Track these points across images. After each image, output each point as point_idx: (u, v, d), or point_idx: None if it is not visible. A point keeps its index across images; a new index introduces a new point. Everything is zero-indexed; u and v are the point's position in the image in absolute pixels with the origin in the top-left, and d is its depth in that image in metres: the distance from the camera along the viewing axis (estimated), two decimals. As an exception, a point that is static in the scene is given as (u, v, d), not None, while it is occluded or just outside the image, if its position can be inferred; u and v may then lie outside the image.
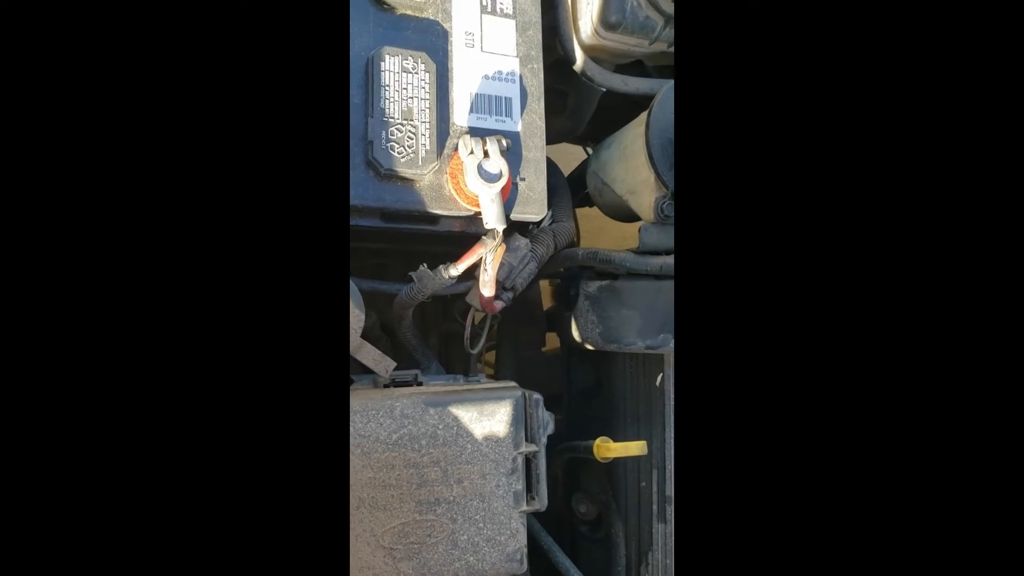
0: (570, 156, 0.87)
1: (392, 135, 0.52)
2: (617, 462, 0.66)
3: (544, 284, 0.88)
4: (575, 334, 0.66)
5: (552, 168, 0.75)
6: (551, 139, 0.84)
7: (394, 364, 0.50)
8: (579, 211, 1.09)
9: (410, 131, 0.53)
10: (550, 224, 0.66)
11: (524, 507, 0.50)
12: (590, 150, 0.83)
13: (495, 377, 0.76)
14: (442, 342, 0.75)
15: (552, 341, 0.84)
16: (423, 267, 0.53)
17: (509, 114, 0.58)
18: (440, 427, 0.48)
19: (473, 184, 0.52)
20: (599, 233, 1.18)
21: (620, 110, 0.77)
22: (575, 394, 0.75)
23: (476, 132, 0.55)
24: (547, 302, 0.86)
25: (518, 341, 0.79)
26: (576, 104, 0.80)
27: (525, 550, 0.50)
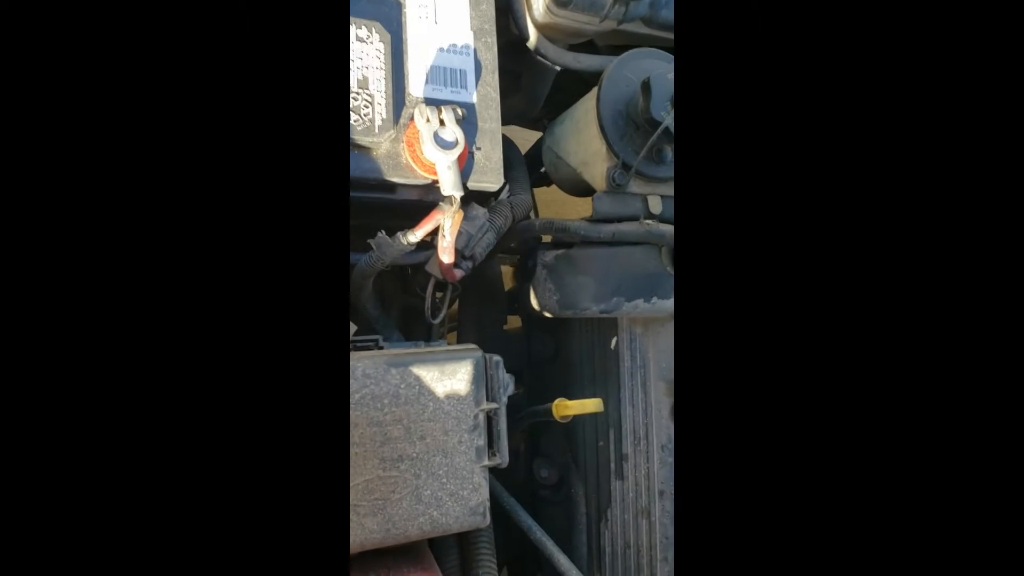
0: (524, 142, 0.89)
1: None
2: (576, 424, 0.68)
3: (506, 268, 0.90)
4: (534, 303, 0.68)
5: (508, 144, 0.76)
6: (506, 119, 0.86)
7: (354, 327, 0.51)
8: (538, 196, 1.12)
9: (366, 100, 0.54)
10: (507, 196, 0.68)
11: (486, 462, 0.51)
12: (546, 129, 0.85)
13: (457, 351, 0.77)
14: (402, 317, 0.76)
15: (514, 322, 0.85)
16: (381, 233, 0.54)
17: (464, 86, 0.59)
18: (402, 386, 0.49)
19: (430, 151, 0.53)
20: (558, 216, 1.21)
21: (573, 92, 0.79)
22: (535, 363, 0.77)
23: (431, 102, 0.57)
24: (508, 285, 0.88)
25: (480, 319, 0.81)
26: (530, 84, 0.82)
27: (488, 503, 0.51)
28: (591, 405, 0.58)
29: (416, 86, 0.57)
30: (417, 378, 0.49)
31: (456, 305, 0.81)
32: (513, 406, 0.67)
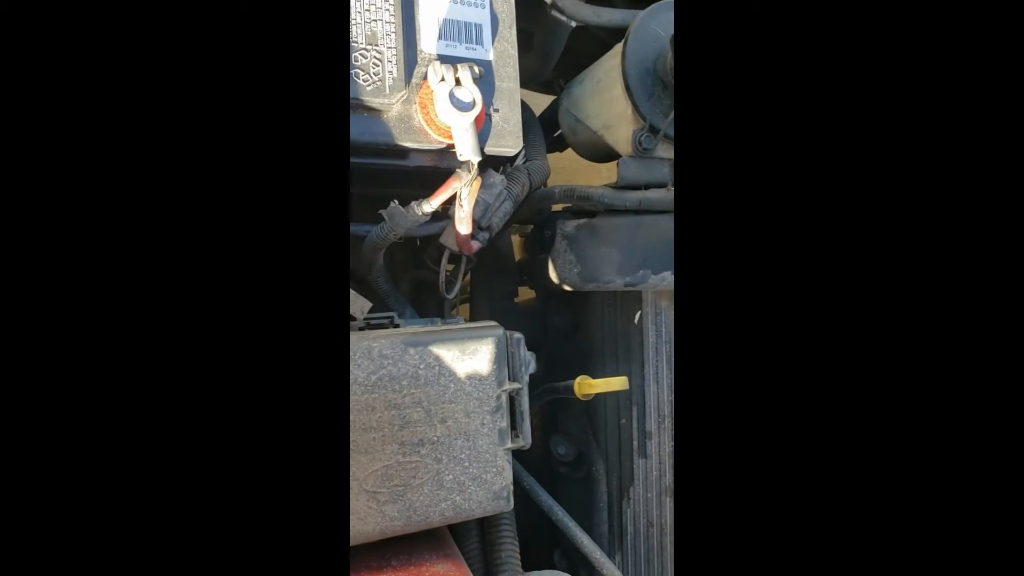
0: (534, 107, 0.84)
1: (356, 61, 0.48)
2: (597, 401, 0.66)
3: (515, 238, 0.87)
4: (552, 276, 0.65)
5: (524, 107, 0.72)
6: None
7: (369, 304, 0.48)
8: (551, 159, 1.07)
9: (375, 57, 0.49)
10: (524, 163, 0.64)
11: (509, 444, 0.49)
12: (563, 90, 0.80)
13: (470, 325, 0.74)
14: (413, 291, 0.73)
15: (523, 294, 0.82)
16: (394, 203, 0.50)
17: (480, 42, 0.55)
18: (421, 367, 0.46)
19: (445, 113, 0.49)
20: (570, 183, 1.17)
21: (585, 53, 0.75)
22: (552, 338, 0.75)
23: (445, 60, 0.52)
24: (517, 254, 0.84)
25: (492, 292, 0.78)
26: (544, 43, 0.77)
27: (512, 487, 0.49)
28: (616, 383, 0.56)
29: (429, 42, 0.52)
30: (437, 358, 0.46)
31: (468, 277, 0.78)
32: (530, 382, 0.64)
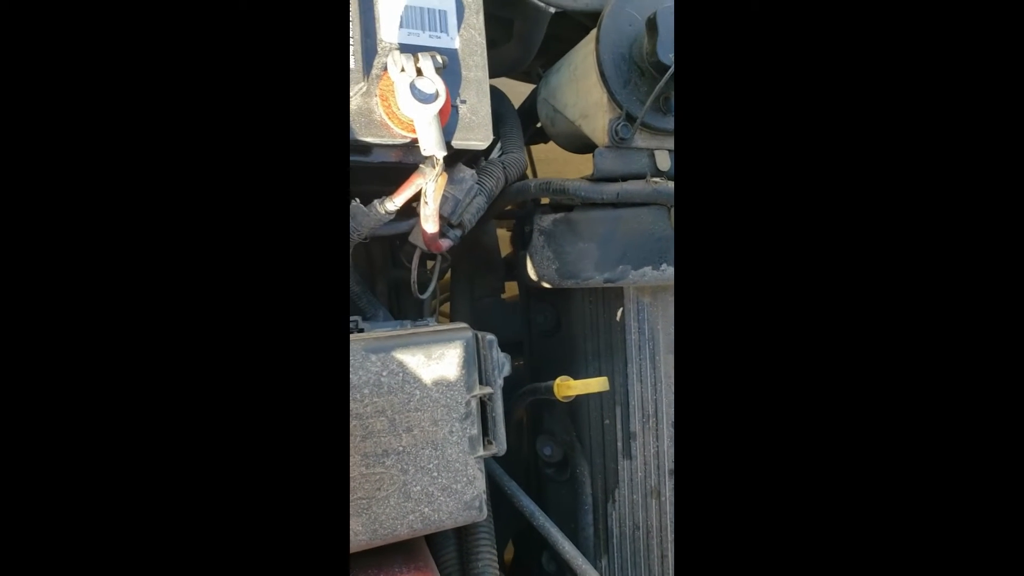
0: (516, 97, 0.82)
1: (310, 53, 0.46)
2: (580, 401, 0.64)
3: (502, 232, 0.84)
4: (531, 273, 0.63)
5: (500, 97, 0.69)
6: (498, 71, 0.79)
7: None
8: (536, 154, 1.04)
9: (331, 48, 0.47)
10: (499, 156, 0.61)
11: (481, 452, 0.47)
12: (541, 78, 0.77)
13: (451, 324, 0.72)
14: (391, 290, 0.71)
15: (513, 289, 0.80)
16: (356, 202, 0.48)
17: (444, 29, 0.52)
18: (384, 374, 0.44)
19: (406, 106, 0.46)
20: (558, 176, 1.14)
21: (569, 39, 0.72)
22: (535, 336, 0.72)
23: (407, 49, 0.50)
24: (506, 249, 0.82)
25: (474, 289, 0.75)
26: (523, 31, 0.74)
27: (484, 496, 0.47)
28: (595, 384, 0.53)
29: (388, 30, 0.49)
30: (400, 364, 0.44)
31: (449, 274, 0.76)
32: (515, 380, 0.62)
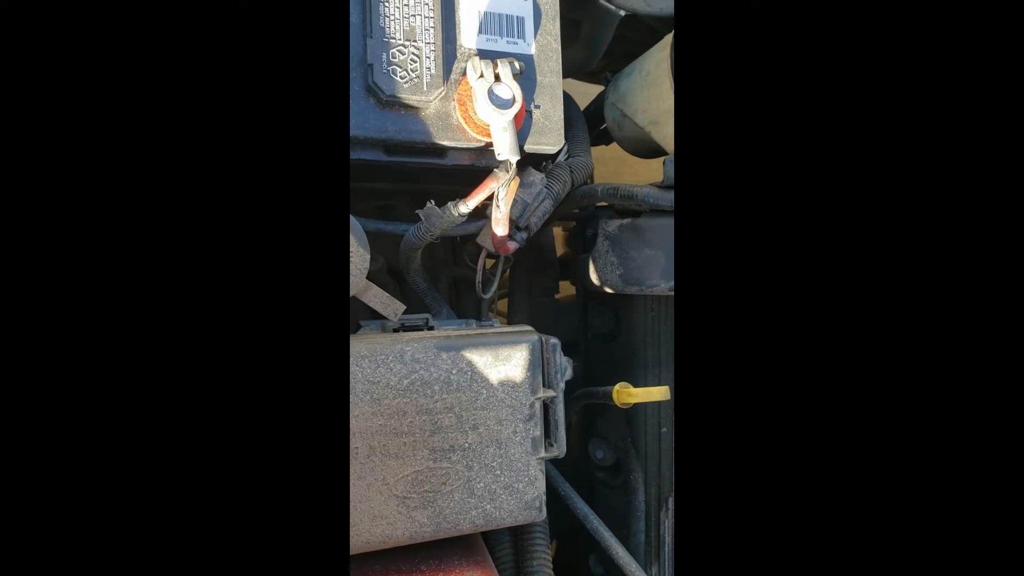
0: (581, 96, 0.82)
1: (394, 58, 0.47)
2: (637, 408, 0.64)
3: (557, 231, 0.84)
4: (593, 277, 0.63)
5: (567, 100, 0.69)
6: (565, 72, 0.79)
7: (403, 307, 0.48)
8: (593, 152, 1.04)
9: (413, 53, 0.48)
10: (566, 159, 0.62)
11: (542, 454, 0.47)
12: (608, 82, 0.77)
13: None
14: (452, 288, 0.72)
15: (565, 289, 0.80)
16: (430, 204, 0.50)
17: (521, 35, 0.53)
18: (453, 372, 0.45)
19: (483, 111, 0.47)
20: (614, 177, 1.13)
21: (636, 41, 0.71)
22: (592, 339, 0.73)
23: (486, 55, 0.51)
24: (560, 249, 0.82)
25: (531, 288, 0.76)
26: (591, 33, 0.74)
27: (544, 497, 0.48)
28: (657, 394, 0.53)
29: (468, 36, 0.50)
30: (470, 363, 0.45)
31: (507, 273, 0.77)
32: (569, 381, 0.63)
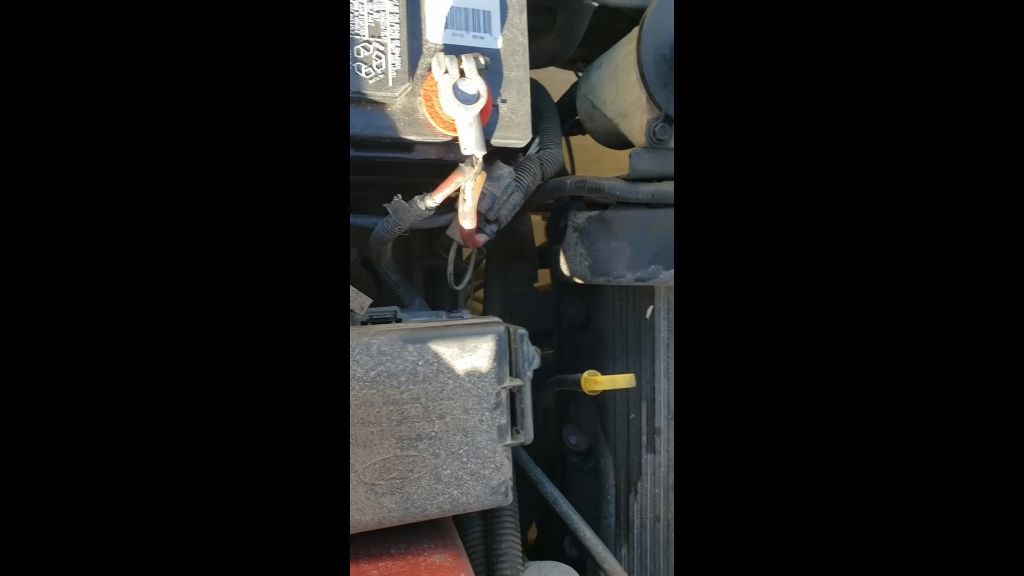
0: (560, 83, 0.82)
1: (359, 54, 0.48)
2: (606, 394, 0.65)
3: (537, 219, 0.85)
4: (564, 268, 0.64)
5: (539, 91, 0.70)
6: (539, 62, 0.79)
7: (370, 300, 0.49)
8: (574, 141, 1.04)
9: (378, 49, 0.48)
10: (537, 151, 0.63)
11: (509, 440, 0.49)
12: (581, 73, 0.78)
13: (484, 314, 0.75)
14: (427, 278, 0.73)
15: (545, 277, 0.82)
16: (397, 198, 0.50)
17: (488, 29, 0.53)
18: (420, 363, 0.46)
19: (449, 106, 0.48)
20: (594, 165, 1.13)
21: (615, 29, 0.72)
22: (565, 328, 0.74)
23: (451, 50, 0.51)
24: (540, 237, 0.83)
25: (507, 277, 0.77)
26: (566, 22, 0.74)
27: (511, 483, 0.49)
28: (622, 381, 0.55)
29: (434, 31, 0.51)
30: (436, 355, 0.47)
31: (484, 263, 0.78)
32: (544, 369, 0.64)
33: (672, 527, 0.63)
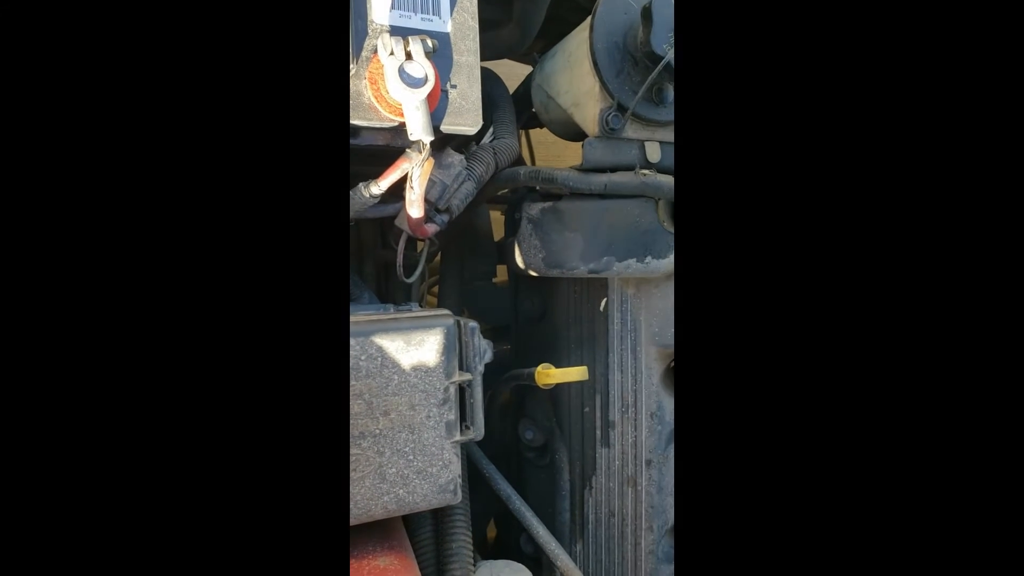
0: (520, 78, 0.81)
1: (298, 32, 0.45)
2: (561, 388, 0.64)
3: (496, 214, 0.84)
4: (519, 260, 0.63)
5: (494, 80, 0.69)
6: (496, 53, 0.78)
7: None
8: (534, 136, 1.03)
9: (320, 28, 0.46)
10: (491, 141, 0.61)
11: (457, 437, 0.47)
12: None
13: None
14: (380, 272, 0.71)
15: (504, 272, 0.80)
16: (341, 185, 0.48)
17: (437, 12, 0.51)
18: (362, 358, 0.44)
19: (395, 90, 0.46)
20: (554, 161, 1.13)
21: (570, 21, 0.71)
22: (521, 322, 0.73)
23: (398, 31, 0.49)
24: (499, 232, 0.82)
25: (464, 272, 0.76)
26: (523, 12, 0.73)
27: (459, 480, 0.48)
28: (575, 373, 0.54)
29: (380, 12, 0.49)
30: (380, 349, 0.45)
31: (439, 257, 0.76)
32: (500, 364, 0.63)
33: (627, 522, 0.62)
